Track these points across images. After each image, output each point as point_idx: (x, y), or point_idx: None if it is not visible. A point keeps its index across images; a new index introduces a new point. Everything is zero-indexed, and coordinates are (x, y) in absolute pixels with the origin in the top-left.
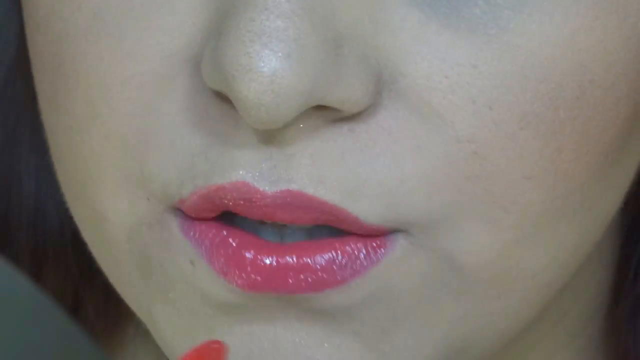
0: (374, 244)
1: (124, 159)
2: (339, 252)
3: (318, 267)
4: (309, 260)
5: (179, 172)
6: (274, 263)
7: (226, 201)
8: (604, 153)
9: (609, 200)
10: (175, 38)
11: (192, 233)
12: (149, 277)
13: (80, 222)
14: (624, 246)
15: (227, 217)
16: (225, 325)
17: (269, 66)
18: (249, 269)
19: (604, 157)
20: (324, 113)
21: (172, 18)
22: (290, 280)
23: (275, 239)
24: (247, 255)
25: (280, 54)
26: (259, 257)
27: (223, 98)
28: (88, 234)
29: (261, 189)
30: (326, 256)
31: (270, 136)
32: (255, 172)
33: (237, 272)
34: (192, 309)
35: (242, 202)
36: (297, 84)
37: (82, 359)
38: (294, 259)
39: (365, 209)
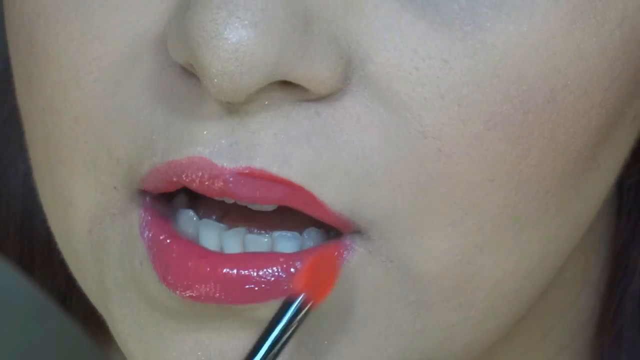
0: (330, 249)
1: (92, 141)
2: (281, 267)
3: (262, 279)
4: (252, 272)
5: (139, 150)
6: (215, 273)
7: (184, 177)
8: (572, 161)
9: (578, 211)
10: (143, 17)
11: (146, 233)
12: (107, 272)
13: (47, 209)
14: (612, 269)
15: (200, 206)
16: (173, 332)
17: (235, 34)
18: (189, 277)
19: (572, 165)
20: (290, 92)
21: None
22: (230, 291)
23: (236, 248)
24: (188, 265)
25: (246, 22)
26: (199, 267)
27: (188, 76)
28: (53, 222)
29: (219, 164)
30: (270, 270)
31: (233, 112)
32: (214, 148)
33: (178, 281)
34: (143, 312)
35: (199, 178)
36: (262, 54)
37: (81, 359)
38: (236, 271)
39: (332, 195)
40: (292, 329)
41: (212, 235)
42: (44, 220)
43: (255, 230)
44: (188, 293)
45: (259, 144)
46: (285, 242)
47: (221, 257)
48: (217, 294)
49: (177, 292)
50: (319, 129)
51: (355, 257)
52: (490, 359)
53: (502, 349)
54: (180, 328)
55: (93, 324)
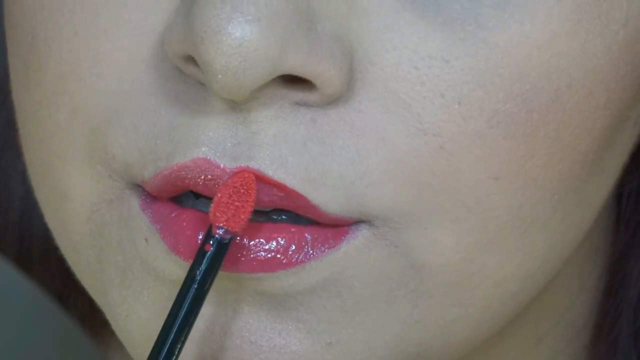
0: (335, 231)
1: (88, 136)
2: (295, 235)
3: (272, 247)
4: (262, 240)
5: (141, 154)
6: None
7: (187, 180)
8: (578, 164)
9: (582, 216)
10: (150, 15)
11: (149, 210)
12: (106, 259)
13: (43, 204)
14: (610, 275)
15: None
16: None
17: (238, 29)
18: (200, 245)
19: (579, 168)
20: (290, 92)
21: None
22: (242, 259)
23: None
24: (199, 233)
25: (250, 17)
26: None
27: (193, 82)
28: (50, 217)
29: (222, 165)
30: (281, 238)
31: (236, 110)
32: (217, 149)
33: (187, 248)
34: (147, 290)
35: (202, 179)
36: (265, 49)
37: (81, 359)
38: (247, 239)
39: (326, 198)
40: (217, 265)
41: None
42: (41, 219)
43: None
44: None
45: (258, 145)
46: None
47: None
48: (228, 262)
49: (182, 258)
50: (315, 134)
51: (360, 237)
52: None
53: (496, 352)
54: None
55: (91, 322)
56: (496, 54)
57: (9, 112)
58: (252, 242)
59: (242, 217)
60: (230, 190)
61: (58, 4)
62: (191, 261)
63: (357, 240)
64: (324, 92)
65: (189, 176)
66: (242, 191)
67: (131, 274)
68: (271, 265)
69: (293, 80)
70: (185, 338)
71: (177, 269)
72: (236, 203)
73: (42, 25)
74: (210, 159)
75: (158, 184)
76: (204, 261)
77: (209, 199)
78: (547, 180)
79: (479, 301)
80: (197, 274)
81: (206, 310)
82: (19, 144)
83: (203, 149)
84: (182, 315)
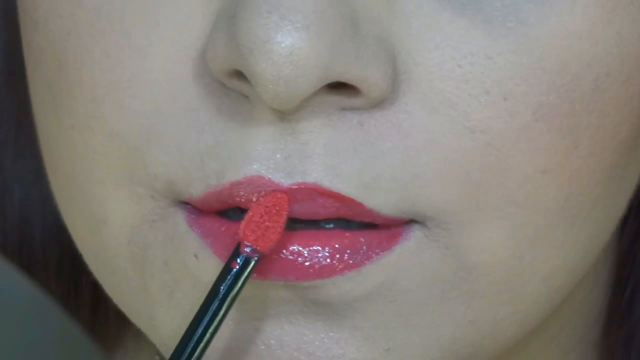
0: (388, 234)
1: (127, 159)
2: (349, 240)
3: (327, 253)
4: (317, 247)
5: (186, 172)
6: (281, 250)
7: (240, 198)
8: (618, 152)
9: (617, 205)
10: (185, 32)
11: (197, 226)
12: (150, 281)
13: (75, 231)
14: (620, 268)
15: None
16: (233, 322)
17: (288, 37)
18: None
19: (618, 156)
20: (335, 98)
21: (182, 11)
22: (298, 267)
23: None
24: None
25: (298, 25)
26: None
27: (235, 95)
28: (84, 243)
29: (276, 181)
30: (337, 244)
31: (284, 121)
32: (269, 164)
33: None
34: (198, 307)
35: (255, 196)
36: (316, 57)
37: (81, 359)
38: (301, 246)
39: (381, 201)
40: (242, 281)
41: None
42: (40, 223)
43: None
44: (253, 273)
45: (310, 156)
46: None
47: (286, 235)
48: (283, 271)
49: None
50: (364, 138)
51: (413, 239)
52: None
53: (512, 352)
54: (238, 317)
55: (92, 327)
56: (538, 47)
57: (7, 114)
58: (306, 250)
59: (272, 237)
60: (262, 210)
61: (86, 28)
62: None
63: (410, 242)
64: (370, 96)
65: (241, 193)
66: (274, 211)
67: (180, 293)
68: (327, 271)
69: (337, 86)
70: (201, 356)
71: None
72: (267, 223)
73: (70, 50)
74: (263, 175)
75: (209, 201)
76: (229, 277)
77: None
78: (591, 170)
79: (528, 297)
80: (221, 290)
81: (260, 323)
82: (17, 146)
83: (255, 165)
84: (199, 333)
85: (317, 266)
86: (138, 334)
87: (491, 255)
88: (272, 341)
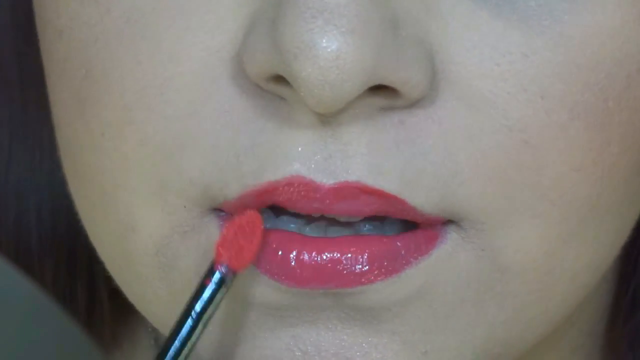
0: (425, 237)
1: (160, 165)
2: (387, 245)
3: (366, 259)
4: (356, 254)
5: (222, 173)
6: (319, 258)
7: (278, 197)
8: None
9: (638, 202)
10: (217, 36)
11: None
12: (179, 290)
13: (99, 238)
14: (624, 264)
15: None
16: (268, 330)
17: (334, 42)
18: (293, 264)
19: None
20: (376, 99)
21: (212, 15)
22: (337, 274)
23: (319, 234)
24: (292, 252)
25: (344, 29)
26: (303, 252)
27: (270, 96)
28: (108, 250)
29: (318, 181)
30: (375, 250)
31: (325, 123)
32: (310, 164)
33: (282, 269)
34: (233, 317)
35: (297, 197)
36: (361, 61)
37: (81, 359)
38: (340, 254)
39: (422, 199)
40: (216, 300)
41: (294, 230)
42: (38, 220)
43: (335, 223)
44: (292, 282)
45: (352, 156)
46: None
47: (323, 242)
48: (323, 279)
49: (280, 282)
50: (406, 136)
51: (450, 241)
52: None
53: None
54: (275, 325)
55: (90, 324)
56: (573, 45)
57: (3, 112)
58: (345, 257)
59: (246, 256)
60: (236, 228)
61: (115, 35)
62: (289, 282)
63: (447, 245)
64: (410, 97)
65: (280, 193)
66: (247, 230)
67: None
68: (368, 277)
69: (378, 87)
70: None
71: (270, 293)
72: (241, 241)
73: (98, 58)
74: (303, 175)
75: (245, 202)
76: (202, 296)
77: (294, 216)
78: (622, 166)
79: (557, 295)
80: (193, 308)
81: (296, 330)
82: (13, 143)
83: (295, 165)
84: (172, 350)
85: (357, 273)
86: (133, 337)
87: (524, 255)
88: (309, 347)
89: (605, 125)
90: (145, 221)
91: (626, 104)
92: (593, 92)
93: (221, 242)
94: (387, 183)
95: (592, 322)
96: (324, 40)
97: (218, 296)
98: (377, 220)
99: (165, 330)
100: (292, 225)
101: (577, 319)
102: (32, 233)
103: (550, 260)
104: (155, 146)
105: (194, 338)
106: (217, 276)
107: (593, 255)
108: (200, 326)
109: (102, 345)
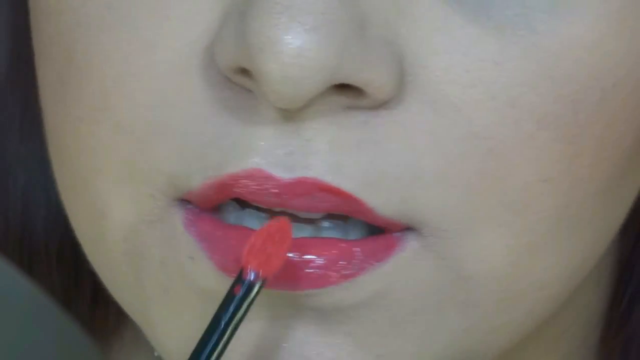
0: (384, 243)
1: (131, 151)
2: (344, 250)
3: (322, 263)
4: (312, 256)
5: (187, 164)
6: None
7: (238, 189)
8: (619, 161)
9: (616, 214)
10: (192, 26)
11: (194, 228)
12: (145, 278)
13: (75, 220)
14: (619, 274)
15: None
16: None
17: (297, 39)
18: None
19: (620, 165)
20: (343, 97)
21: (189, 6)
22: (293, 277)
23: None
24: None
25: (308, 27)
26: None
27: (238, 89)
28: (83, 233)
29: (276, 175)
30: (331, 254)
31: (289, 119)
32: (271, 159)
33: (236, 266)
34: (191, 308)
35: (254, 190)
36: (324, 59)
37: (81, 359)
38: (298, 255)
39: (382, 201)
40: (245, 307)
41: (257, 225)
42: (42, 217)
43: (297, 219)
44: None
45: (313, 153)
46: (332, 232)
47: None
48: (280, 279)
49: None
50: (369, 136)
51: (409, 249)
52: None
53: (513, 356)
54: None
55: (92, 322)
56: (548, 56)
57: (8, 108)
58: (302, 259)
59: (275, 263)
60: (265, 236)
61: (97, 21)
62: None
63: (405, 252)
64: (375, 98)
65: (240, 186)
66: (276, 238)
67: (174, 293)
68: (322, 281)
69: (343, 87)
70: None
71: (225, 287)
72: (270, 249)
73: (80, 42)
74: (263, 169)
75: (206, 193)
76: (232, 304)
77: (257, 209)
78: (593, 179)
79: (523, 306)
80: (223, 317)
81: (256, 326)
82: (22, 130)
83: (255, 159)
84: (205, 356)
85: (312, 276)
86: (136, 327)
87: (488, 265)
88: (266, 343)
89: (576, 137)
90: (114, 208)
91: (600, 117)
92: (565, 104)
93: (249, 250)
94: (346, 182)
95: (585, 330)
96: (288, 37)
97: (245, 304)
98: (340, 219)
99: (135, 316)
100: (255, 219)
101: (568, 328)
102: (39, 233)
103: (515, 271)
104: (129, 132)
105: (220, 346)
106: (246, 284)
107: (562, 267)
108: (228, 334)
109: (104, 334)
